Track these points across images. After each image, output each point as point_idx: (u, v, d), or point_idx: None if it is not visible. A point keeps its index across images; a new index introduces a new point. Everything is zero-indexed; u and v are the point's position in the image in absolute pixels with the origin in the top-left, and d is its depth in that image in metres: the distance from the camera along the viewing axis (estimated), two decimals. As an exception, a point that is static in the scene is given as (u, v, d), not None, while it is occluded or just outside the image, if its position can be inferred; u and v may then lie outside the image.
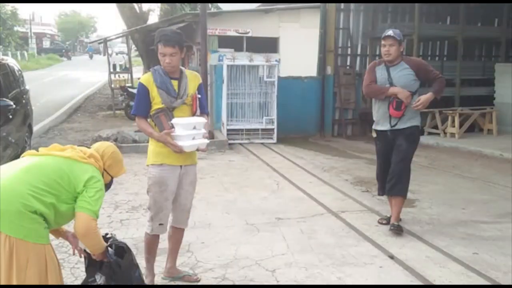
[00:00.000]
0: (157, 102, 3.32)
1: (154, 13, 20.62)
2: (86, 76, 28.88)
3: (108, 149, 2.88)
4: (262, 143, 9.46)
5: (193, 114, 3.43)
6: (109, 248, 2.74)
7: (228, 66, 9.49)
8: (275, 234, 4.64)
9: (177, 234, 3.63)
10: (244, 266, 3.91)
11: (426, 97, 4.52)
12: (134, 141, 8.91)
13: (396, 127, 4.64)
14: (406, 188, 4.73)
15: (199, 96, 3.47)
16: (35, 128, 9.85)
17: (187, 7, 19.62)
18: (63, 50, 52.03)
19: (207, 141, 3.43)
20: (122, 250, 2.81)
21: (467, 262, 4.00)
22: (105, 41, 15.50)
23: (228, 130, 9.52)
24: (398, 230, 4.59)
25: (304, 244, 4.40)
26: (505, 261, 4.04)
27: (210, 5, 18.58)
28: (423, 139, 9.45)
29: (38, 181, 2.45)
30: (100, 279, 2.76)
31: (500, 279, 3.73)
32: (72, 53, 56.88)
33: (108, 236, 2.85)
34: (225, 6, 19.62)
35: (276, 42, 11.34)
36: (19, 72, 8.04)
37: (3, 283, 2.34)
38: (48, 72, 31.79)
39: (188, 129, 3.30)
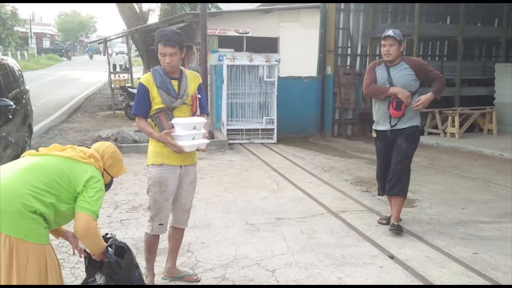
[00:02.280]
0: (157, 102, 3.32)
1: (154, 13, 20.63)
2: (86, 76, 28.90)
3: (108, 149, 2.89)
4: (262, 143, 9.46)
5: (193, 114, 3.43)
6: (109, 248, 2.74)
7: (228, 66, 9.48)
8: (275, 234, 4.64)
9: (177, 234, 3.64)
10: (244, 266, 3.91)
11: (426, 97, 4.52)
12: (134, 141, 8.91)
13: (396, 127, 4.64)
14: (406, 188, 4.73)
15: (199, 96, 3.48)
16: (35, 128, 9.85)
17: (187, 7, 19.62)
18: (63, 50, 52.09)
19: (207, 141, 3.43)
20: (122, 250, 2.81)
21: (467, 262, 4.00)
22: (105, 41, 15.52)
23: (228, 130, 9.52)
24: (398, 230, 4.60)
25: (304, 244, 4.40)
26: (505, 261, 4.05)
27: (210, 5, 18.60)
28: (423, 139, 9.45)
29: (38, 181, 2.45)
30: (100, 279, 2.76)
31: (500, 279, 3.73)
32: (72, 53, 56.93)
33: (108, 236, 2.86)
34: (225, 6, 19.67)
35: (276, 42, 11.36)
36: (19, 72, 8.04)
37: (3, 283, 2.34)
38: (48, 72, 31.81)
39: (188, 129, 3.30)
